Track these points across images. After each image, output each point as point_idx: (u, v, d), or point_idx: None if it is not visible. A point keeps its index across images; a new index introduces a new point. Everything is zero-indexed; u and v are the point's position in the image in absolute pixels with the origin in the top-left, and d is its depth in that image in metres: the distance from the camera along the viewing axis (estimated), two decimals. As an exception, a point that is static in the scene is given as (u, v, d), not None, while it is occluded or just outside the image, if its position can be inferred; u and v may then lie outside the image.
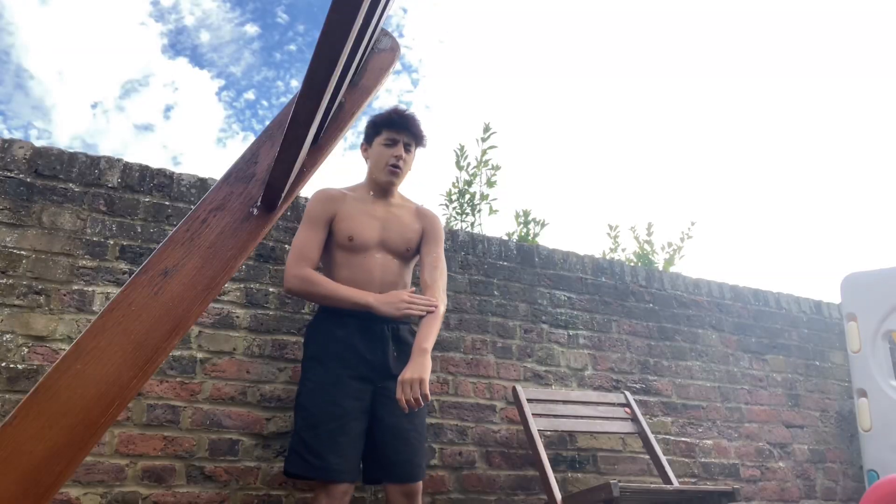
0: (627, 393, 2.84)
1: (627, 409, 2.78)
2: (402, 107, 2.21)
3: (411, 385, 1.83)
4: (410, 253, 2.16)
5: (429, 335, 1.98)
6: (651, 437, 2.69)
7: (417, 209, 2.25)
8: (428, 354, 1.92)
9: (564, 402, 2.68)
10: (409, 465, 1.97)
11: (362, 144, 2.24)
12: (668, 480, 2.56)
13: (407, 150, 2.17)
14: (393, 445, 1.96)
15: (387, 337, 2.04)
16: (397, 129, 2.15)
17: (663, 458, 2.63)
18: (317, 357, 2.01)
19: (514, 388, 2.57)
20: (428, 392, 1.85)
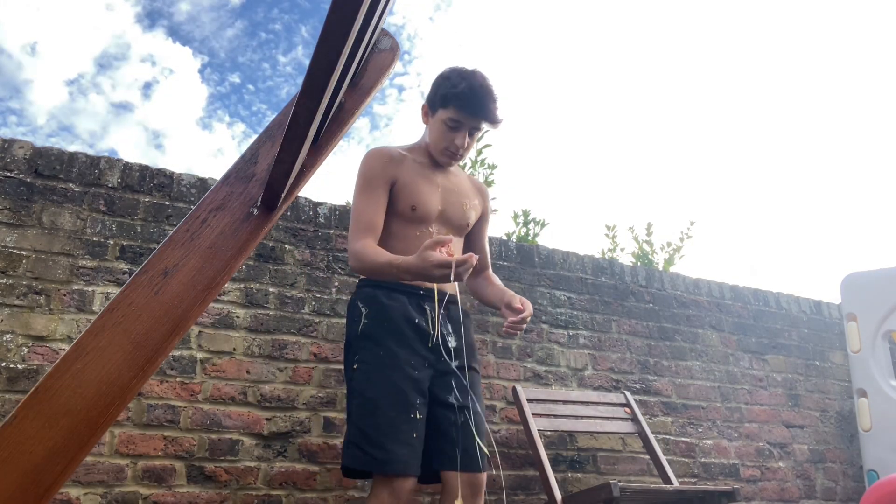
0: (627, 393, 2.84)
1: (627, 409, 2.78)
2: (482, 79, 1.83)
3: (526, 307, 1.75)
4: (468, 229, 1.96)
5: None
6: (651, 437, 2.69)
7: (471, 179, 2.06)
8: None
9: (564, 402, 2.68)
10: (476, 452, 1.75)
11: (424, 106, 1.94)
12: (668, 480, 2.56)
13: (471, 135, 1.88)
14: (461, 431, 1.75)
15: (444, 317, 1.83)
16: (468, 113, 1.81)
17: (663, 458, 2.63)
18: (369, 335, 1.76)
19: (514, 388, 2.57)
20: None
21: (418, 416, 1.71)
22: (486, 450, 1.78)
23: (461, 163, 2.02)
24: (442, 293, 1.83)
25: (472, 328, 1.99)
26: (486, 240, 2.06)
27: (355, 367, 1.76)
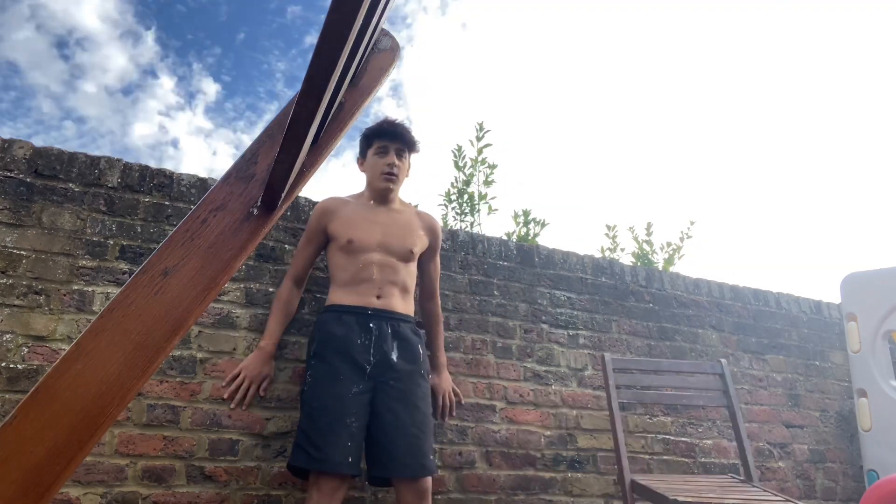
0: (724, 361, 2.79)
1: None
2: (391, 117, 2.32)
3: (451, 393, 2.43)
4: (413, 256, 2.24)
5: (442, 347, 2.43)
6: (739, 416, 2.64)
7: (419, 215, 2.35)
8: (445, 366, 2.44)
9: (656, 372, 2.71)
10: (411, 458, 1.96)
11: (358, 159, 2.34)
12: (748, 473, 2.51)
13: (399, 157, 2.26)
14: (393, 439, 1.97)
15: (387, 333, 2.10)
16: (387, 138, 2.25)
17: (747, 445, 2.58)
18: (318, 353, 2.07)
19: (602, 357, 2.59)
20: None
21: (354, 423, 1.95)
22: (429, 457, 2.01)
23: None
24: (389, 311, 2.13)
25: (421, 343, 2.21)
26: (434, 268, 2.40)
27: (307, 381, 2.06)
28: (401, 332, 2.12)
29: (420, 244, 2.28)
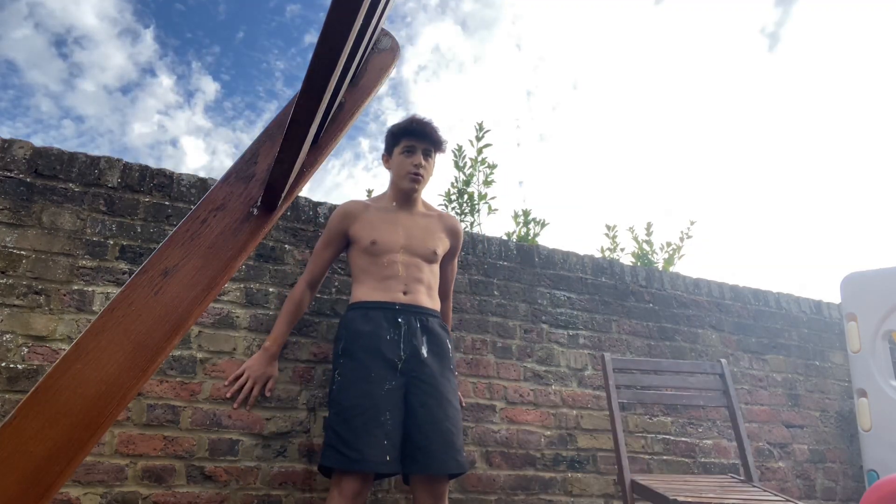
0: (724, 361, 2.78)
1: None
2: (420, 115, 2.26)
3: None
4: (437, 257, 2.24)
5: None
6: (739, 416, 2.63)
7: (442, 217, 2.33)
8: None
9: (656, 372, 2.68)
10: (446, 455, 1.95)
11: (383, 155, 2.31)
12: (748, 473, 2.50)
13: (426, 157, 2.23)
14: (427, 435, 1.95)
15: (416, 328, 2.08)
16: (415, 137, 2.21)
17: (747, 445, 2.57)
18: (347, 351, 2.04)
19: (602, 356, 2.57)
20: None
21: (389, 421, 1.92)
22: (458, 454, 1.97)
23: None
24: (416, 306, 2.11)
25: (449, 338, 2.19)
26: (452, 270, 2.40)
27: (336, 380, 2.03)
28: (429, 326, 2.11)
29: (443, 246, 2.27)
